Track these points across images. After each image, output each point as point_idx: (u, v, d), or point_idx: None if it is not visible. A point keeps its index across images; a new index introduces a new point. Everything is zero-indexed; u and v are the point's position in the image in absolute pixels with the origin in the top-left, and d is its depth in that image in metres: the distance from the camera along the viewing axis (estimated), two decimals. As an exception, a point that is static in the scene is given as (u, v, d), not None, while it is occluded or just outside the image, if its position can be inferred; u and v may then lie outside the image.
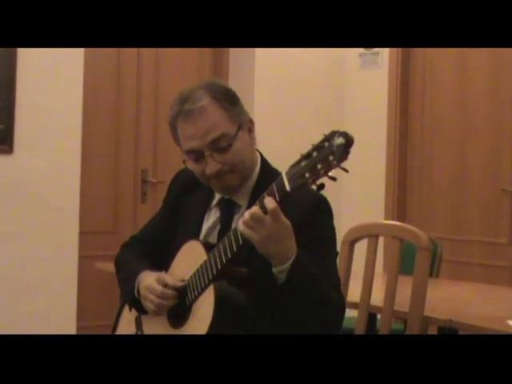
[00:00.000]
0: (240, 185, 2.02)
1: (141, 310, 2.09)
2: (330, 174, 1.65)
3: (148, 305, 2.01)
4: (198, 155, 1.98)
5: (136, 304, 2.09)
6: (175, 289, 1.97)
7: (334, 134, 1.64)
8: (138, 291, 2.05)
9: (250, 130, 2.04)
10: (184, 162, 2.04)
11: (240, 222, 1.81)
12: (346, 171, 1.65)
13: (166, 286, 1.98)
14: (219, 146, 1.96)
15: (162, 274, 2.03)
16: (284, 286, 1.83)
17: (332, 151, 1.63)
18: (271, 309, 1.89)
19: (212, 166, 1.96)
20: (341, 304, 1.95)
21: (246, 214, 1.79)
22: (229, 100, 1.99)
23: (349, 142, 1.62)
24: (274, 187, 1.75)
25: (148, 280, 2.02)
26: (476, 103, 4.64)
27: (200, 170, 2.00)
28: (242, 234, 1.82)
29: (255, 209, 1.78)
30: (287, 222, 1.81)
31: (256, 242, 1.80)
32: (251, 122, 2.05)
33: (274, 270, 1.83)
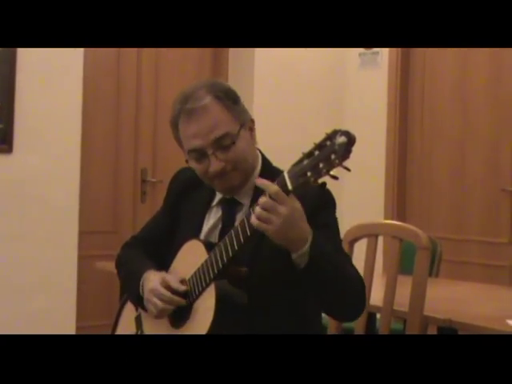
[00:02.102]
0: (242, 184, 2.01)
1: (145, 309, 2.08)
2: (331, 172, 1.64)
3: (151, 308, 2.00)
4: (200, 154, 1.97)
5: (141, 303, 2.08)
6: (177, 293, 1.96)
7: (335, 132, 1.64)
8: (143, 291, 2.05)
9: (251, 129, 2.04)
10: (187, 162, 2.03)
11: (253, 217, 1.76)
12: (348, 170, 1.65)
13: (168, 288, 1.97)
14: (222, 144, 1.95)
15: (167, 276, 2.01)
16: (307, 269, 1.79)
17: (334, 150, 1.62)
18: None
19: (215, 165, 1.95)
20: (359, 276, 1.93)
21: (258, 208, 1.75)
22: (231, 99, 1.99)
23: (351, 140, 1.62)
24: (276, 186, 1.74)
25: (153, 283, 2.00)
26: (476, 103, 4.64)
27: (202, 170, 1.99)
28: (250, 227, 1.78)
29: (264, 199, 1.74)
30: (297, 203, 1.77)
31: (273, 232, 1.75)
32: (252, 121, 2.05)
33: (294, 255, 1.79)
